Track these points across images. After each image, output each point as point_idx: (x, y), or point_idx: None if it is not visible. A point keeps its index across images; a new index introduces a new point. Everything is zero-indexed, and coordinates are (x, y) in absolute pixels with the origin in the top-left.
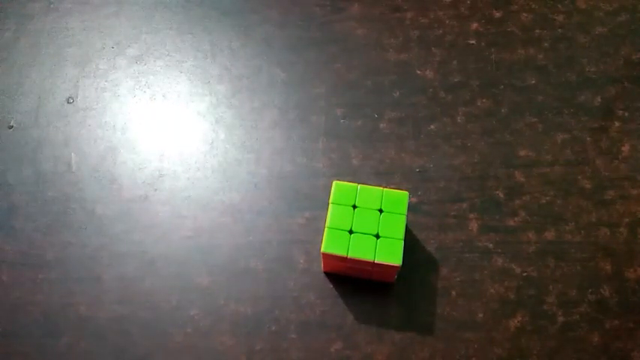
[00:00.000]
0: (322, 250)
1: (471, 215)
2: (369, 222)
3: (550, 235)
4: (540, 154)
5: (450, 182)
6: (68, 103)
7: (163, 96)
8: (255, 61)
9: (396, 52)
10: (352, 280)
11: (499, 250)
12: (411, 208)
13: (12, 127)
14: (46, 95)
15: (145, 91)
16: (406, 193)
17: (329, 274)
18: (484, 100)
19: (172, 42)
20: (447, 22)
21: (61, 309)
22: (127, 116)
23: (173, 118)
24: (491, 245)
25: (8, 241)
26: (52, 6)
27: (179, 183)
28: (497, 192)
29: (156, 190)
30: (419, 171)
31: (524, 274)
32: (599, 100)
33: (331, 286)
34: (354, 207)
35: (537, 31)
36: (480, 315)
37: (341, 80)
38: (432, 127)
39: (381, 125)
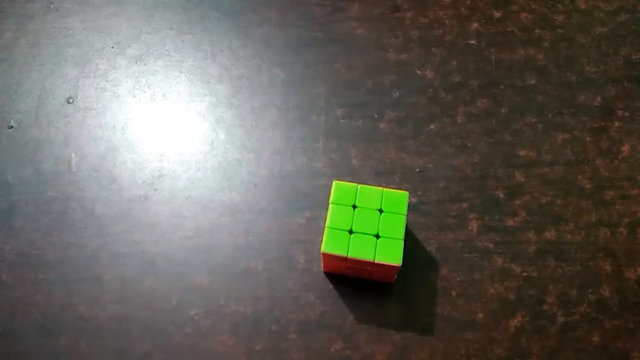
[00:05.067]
0: (322, 250)
1: (471, 215)
2: (369, 222)
3: (550, 235)
4: (540, 154)
5: (450, 182)
6: (68, 103)
7: (163, 96)
8: (255, 61)
9: (396, 52)
10: (352, 280)
11: (499, 250)
12: (411, 208)
13: (12, 127)
14: (46, 95)
15: (145, 91)
16: (406, 193)
17: (329, 274)
18: (484, 100)
19: (172, 42)
20: (447, 22)
21: (61, 309)
22: (127, 116)
23: (173, 118)
24: (491, 245)
25: (8, 241)
26: (52, 6)
27: (179, 183)
28: (497, 192)
29: (156, 190)
30: (419, 171)
31: (524, 274)
32: (599, 100)
33: (331, 286)
34: (354, 207)
35: (537, 31)
36: (480, 315)
37: (341, 80)
38: (432, 127)
39: (381, 125)
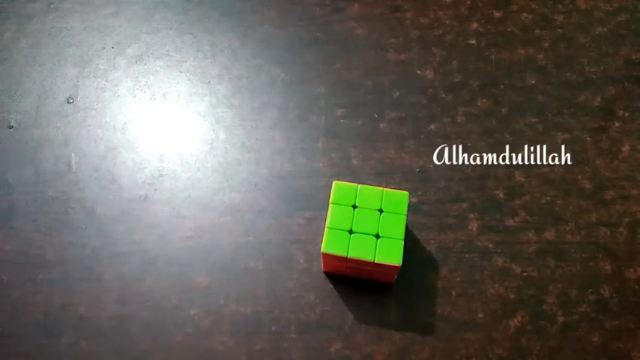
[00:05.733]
0: (322, 250)
1: (471, 215)
2: (369, 222)
3: (550, 235)
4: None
5: (450, 182)
6: (68, 103)
7: (163, 96)
8: (255, 61)
9: (396, 52)
10: (352, 280)
11: (499, 250)
12: (411, 208)
13: (12, 127)
14: (46, 95)
15: (145, 91)
16: (406, 193)
17: (329, 274)
18: (484, 100)
19: (172, 42)
20: (447, 22)
21: (61, 309)
22: (127, 116)
23: (173, 118)
24: (491, 245)
25: (8, 241)
26: (52, 6)
27: (179, 183)
28: (497, 192)
29: (156, 190)
30: (419, 171)
31: (524, 274)
32: (599, 100)
33: (331, 286)
34: (354, 207)
35: (537, 31)
36: (480, 315)
37: (341, 80)
38: (432, 127)
39: (381, 125)
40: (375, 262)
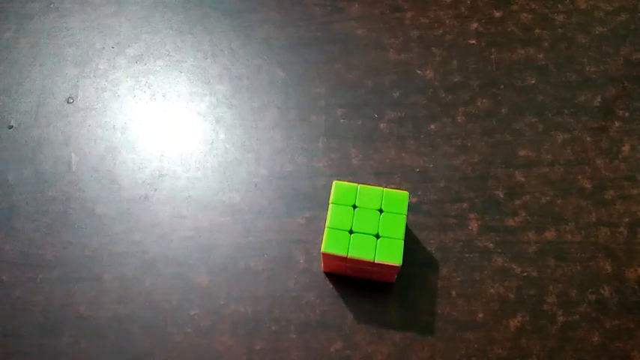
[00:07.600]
0: (322, 250)
1: (471, 215)
2: (369, 222)
3: (550, 235)
4: (540, 154)
5: (450, 182)
6: (68, 103)
7: (163, 96)
8: (255, 61)
9: (396, 52)
10: (352, 280)
11: (499, 250)
12: (411, 208)
13: (12, 127)
14: (46, 95)
15: (145, 91)
16: (406, 193)
17: (329, 274)
18: (484, 100)
19: (172, 42)
20: (447, 22)
21: (61, 309)
22: (127, 116)
23: (173, 118)
24: (491, 245)
25: (8, 241)
26: (52, 6)
27: (179, 183)
28: (497, 192)
29: (156, 190)
30: (419, 171)
31: (524, 274)
32: (599, 100)
33: (331, 286)
34: (354, 207)
35: (537, 31)
36: (480, 315)
37: (341, 80)
38: (432, 127)
39: (381, 125)
40: (375, 262)
